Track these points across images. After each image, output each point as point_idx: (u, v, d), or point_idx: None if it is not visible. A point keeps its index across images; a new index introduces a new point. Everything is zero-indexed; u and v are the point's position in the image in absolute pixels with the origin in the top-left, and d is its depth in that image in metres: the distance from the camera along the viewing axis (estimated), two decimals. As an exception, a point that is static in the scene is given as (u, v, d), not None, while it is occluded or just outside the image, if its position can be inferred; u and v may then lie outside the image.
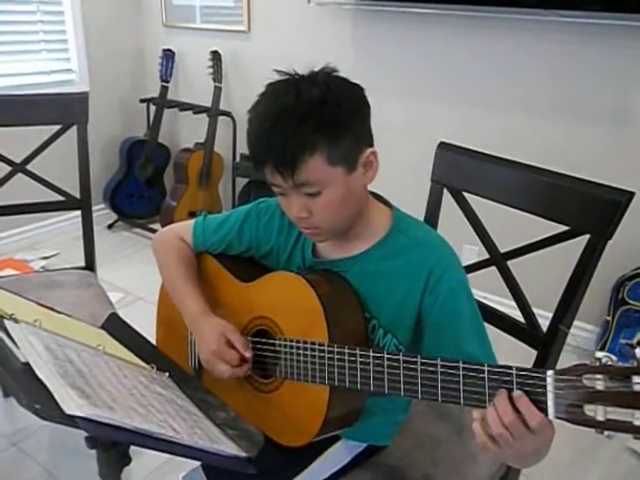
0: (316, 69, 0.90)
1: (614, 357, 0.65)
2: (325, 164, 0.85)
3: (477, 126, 2.38)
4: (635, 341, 2.12)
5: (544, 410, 0.68)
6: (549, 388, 0.68)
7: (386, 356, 0.82)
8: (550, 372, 0.68)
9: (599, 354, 0.67)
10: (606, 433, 0.64)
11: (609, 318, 2.19)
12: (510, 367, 0.71)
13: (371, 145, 0.92)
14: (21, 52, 3.00)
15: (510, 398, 0.70)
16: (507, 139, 2.22)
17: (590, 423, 0.65)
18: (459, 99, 2.44)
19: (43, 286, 1.69)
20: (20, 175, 1.74)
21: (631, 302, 2.14)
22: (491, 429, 0.71)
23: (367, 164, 0.91)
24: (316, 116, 0.83)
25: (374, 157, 0.92)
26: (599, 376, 0.65)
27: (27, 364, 0.73)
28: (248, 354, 0.97)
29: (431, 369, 0.77)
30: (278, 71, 0.90)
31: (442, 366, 0.76)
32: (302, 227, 0.95)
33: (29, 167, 1.75)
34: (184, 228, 1.15)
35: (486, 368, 0.73)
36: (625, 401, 0.63)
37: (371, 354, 0.83)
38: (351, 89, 0.89)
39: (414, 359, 0.79)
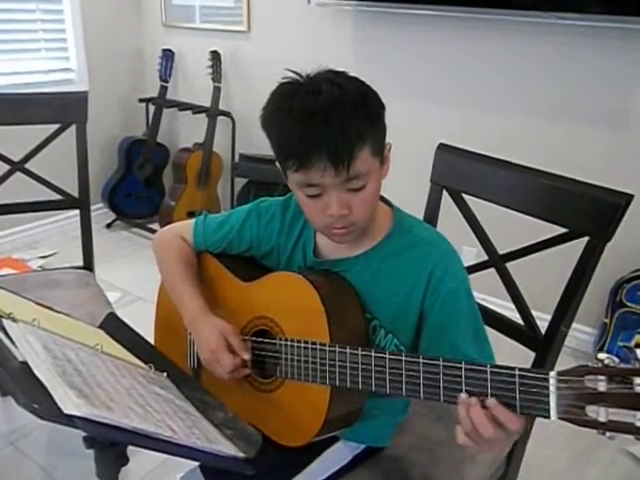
0: (330, 69, 0.89)
1: (616, 359, 0.65)
2: (370, 156, 0.86)
3: (477, 128, 2.38)
4: (633, 343, 2.13)
5: (546, 411, 0.68)
6: (551, 389, 0.68)
7: (388, 356, 0.82)
8: (552, 373, 0.68)
9: (601, 355, 0.66)
10: (608, 434, 0.64)
11: (607, 320, 2.19)
12: (513, 368, 0.72)
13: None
14: (20, 51, 3.00)
15: (484, 407, 0.72)
16: (506, 141, 2.22)
17: (592, 424, 0.65)
18: (459, 101, 2.44)
19: (41, 285, 1.68)
20: (19, 174, 1.74)
21: (629, 304, 2.14)
22: (470, 437, 0.73)
23: (387, 158, 0.93)
24: (363, 108, 0.84)
25: (389, 152, 0.93)
26: (601, 377, 0.65)
27: (25, 363, 0.72)
28: (246, 356, 0.97)
29: (433, 369, 0.77)
30: (290, 70, 0.88)
31: (444, 366, 0.76)
32: (336, 227, 0.90)
33: (28, 166, 1.74)
34: (185, 227, 1.15)
35: (488, 369, 0.73)
36: (627, 402, 0.63)
37: (373, 354, 0.83)
38: (370, 87, 0.90)
39: (416, 359, 0.79)
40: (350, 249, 0.99)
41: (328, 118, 0.81)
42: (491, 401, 0.72)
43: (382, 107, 0.89)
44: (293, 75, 0.88)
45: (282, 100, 0.86)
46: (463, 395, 0.74)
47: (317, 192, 0.88)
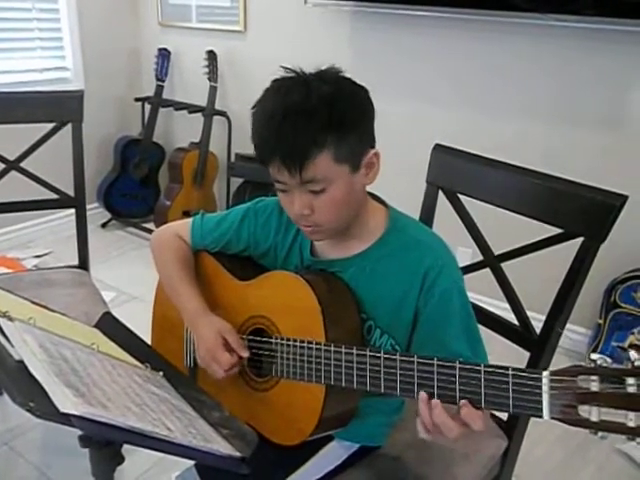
0: (323, 68, 0.90)
1: (609, 359, 0.65)
2: (332, 162, 0.86)
3: (473, 128, 2.39)
4: (627, 344, 2.14)
5: (539, 410, 0.69)
6: (544, 389, 0.68)
7: (382, 355, 0.82)
8: (546, 373, 0.69)
9: (594, 355, 0.67)
10: (600, 434, 0.65)
11: (601, 321, 2.20)
12: (507, 367, 0.72)
13: (373, 147, 0.92)
14: (16, 49, 2.99)
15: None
16: (502, 142, 2.22)
17: (584, 424, 0.65)
18: (455, 101, 2.45)
19: (36, 284, 1.68)
20: (14, 173, 1.74)
21: (623, 305, 2.15)
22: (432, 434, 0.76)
23: (369, 165, 0.92)
24: (326, 113, 0.83)
25: (376, 159, 0.93)
26: (594, 377, 0.65)
27: (21, 362, 0.72)
28: (245, 354, 0.97)
29: (427, 369, 0.78)
30: (285, 68, 0.90)
31: (438, 365, 0.77)
32: (302, 225, 0.94)
33: (23, 165, 1.74)
34: (182, 226, 1.15)
35: (482, 368, 0.73)
36: (619, 402, 0.63)
37: (368, 353, 0.83)
38: (359, 90, 0.90)
39: (411, 359, 0.79)
40: (346, 249, 0.99)
41: (283, 121, 0.83)
42: (462, 402, 0.74)
43: (359, 113, 0.88)
44: (286, 73, 0.89)
45: (262, 98, 0.90)
46: (423, 394, 0.76)
47: (282, 188, 0.91)
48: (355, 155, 0.89)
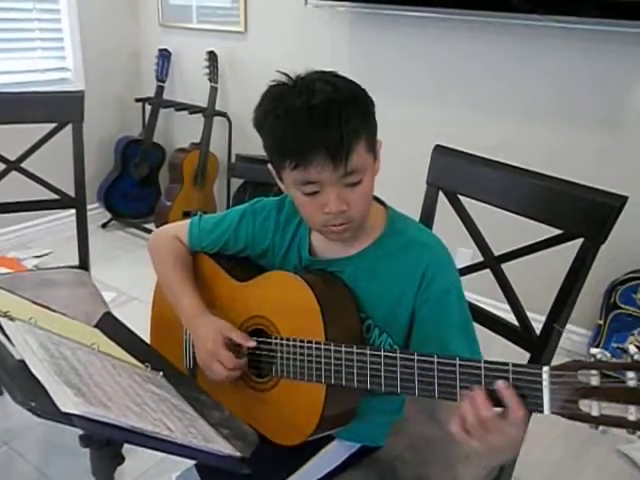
0: (311, 71, 0.90)
1: (608, 353, 0.65)
2: (365, 151, 0.88)
3: (473, 129, 2.39)
4: (627, 345, 2.14)
5: (540, 405, 0.69)
6: (545, 384, 0.69)
7: (383, 354, 0.82)
8: (546, 368, 0.69)
9: (594, 350, 0.67)
10: (600, 428, 0.65)
11: (601, 322, 2.21)
12: (506, 363, 0.72)
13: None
14: (17, 50, 3.00)
15: (488, 392, 0.72)
16: (502, 142, 2.23)
17: (585, 418, 0.66)
18: (455, 102, 2.45)
19: (37, 285, 1.68)
20: (14, 173, 1.74)
21: (623, 306, 2.15)
22: (468, 422, 0.72)
23: (377, 154, 0.94)
24: (356, 104, 0.86)
25: (380, 148, 0.95)
26: (594, 372, 0.65)
27: (22, 362, 0.72)
28: (252, 343, 0.97)
29: (428, 366, 0.78)
30: (281, 72, 0.90)
31: (439, 363, 0.77)
32: (334, 224, 0.91)
33: (24, 165, 1.74)
34: (180, 228, 1.15)
35: (482, 364, 0.74)
36: (619, 396, 0.64)
37: (368, 352, 0.84)
38: (359, 84, 0.92)
39: (411, 356, 0.79)
40: (345, 249, 0.99)
41: (326, 115, 0.83)
42: (499, 383, 0.71)
43: (372, 104, 0.91)
44: (283, 77, 0.89)
45: (275, 101, 0.88)
46: (469, 392, 0.74)
47: (315, 189, 0.88)
48: (375, 144, 0.92)
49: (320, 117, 0.83)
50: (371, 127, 0.90)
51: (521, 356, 1.14)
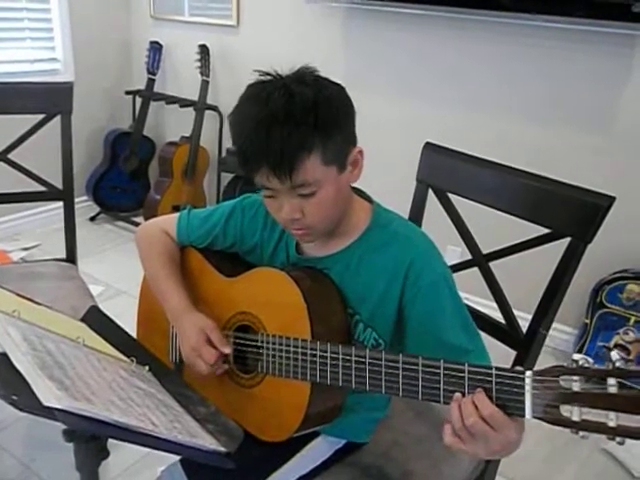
0: (297, 68, 0.89)
1: (591, 359, 0.66)
2: (320, 164, 0.86)
3: (464, 127, 2.40)
4: (612, 344, 2.16)
5: (521, 409, 0.69)
6: (527, 388, 0.69)
7: (368, 354, 0.82)
8: (528, 373, 0.69)
9: (576, 356, 0.68)
10: (581, 433, 0.65)
11: (587, 321, 2.22)
12: (490, 367, 0.73)
13: (355, 144, 0.93)
14: (5, 39, 2.96)
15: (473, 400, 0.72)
16: (493, 141, 2.23)
17: (566, 423, 0.66)
18: (447, 100, 2.45)
19: (23, 277, 1.67)
20: (2, 164, 1.72)
21: (609, 305, 2.17)
22: (456, 429, 0.73)
23: (354, 163, 0.93)
24: (312, 117, 0.83)
25: (360, 156, 0.93)
26: (576, 378, 0.66)
27: (4, 355, 0.72)
28: (227, 350, 0.97)
29: (413, 367, 0.78)
30: (260, 71, 0.89)
31: (424, 365, 0.77)
32: (293, 229, 0.94)
33: (11, 156, 1.72)
34: (168, 221, 1.14)
35: (466, 368, 0.74)
36: (600, 402, 0.64)
37: (353, 351, 0.84)
38: (338, 89, 0.90)
39: (396, 358, 0.79)
40: (331, 246, 0.99)
41: (269, 128, 0.82)
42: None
43: (342, 114, 0.88)
44: (263, 77, 0.88)
45: (240, 104, 0.89)
46: (458, 394, 0.74)
47: (270, 194, 0.91)
48: (341, 155, 0.89)
49: (265, 130, 0.82)
50: (331, 138, 0.85)
51: (507, 354, 1.15)
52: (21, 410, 0.63)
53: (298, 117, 0.82)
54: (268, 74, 0.88)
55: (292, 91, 0.84)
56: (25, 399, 0.64)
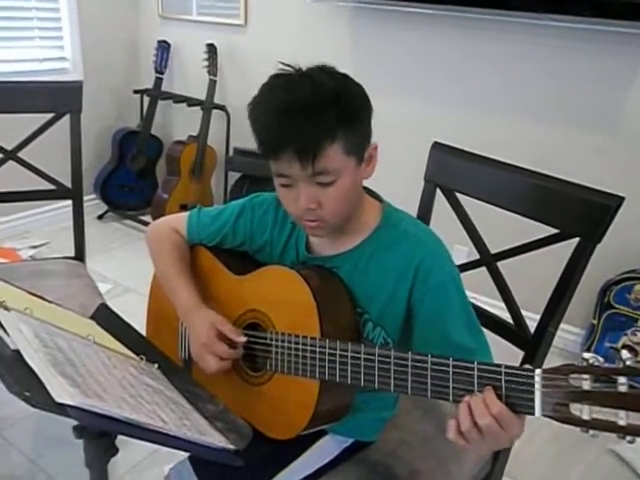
0: (315, 65, 0.90)
1: (601, 358, 0.66)
2: (342, 153, 0.87)
3: (472, 127, 2.39)
4: (620, 345, 2.15)
5: (531, 407, 0.69)
6: (536, 386, 0.69)
7: (377, 351, 0.82)
8: (538, 371, 0.69)
9: (586, 355, 0.68)
10: (591, 432, 0.65)
11: (595, 321, 2.22)
12: (499, 365, 0.73)
13: (370, 141, 0.94)
14: (15, 39, 2.97)
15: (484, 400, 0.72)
16: (501, 140, 2.23)
17: (575, 422, 0.66)
18: (454, 99, 2.45)
19: (32, 275, 1.68)
20: (11, 162, 1.73)
21: (617, 306, 2.16)
22: (464, 428, 0.73)
23: (369, 158, 0.94)
24: (337, 106, 0.85)
25: (375, 152, 0.95)
26: (586, 376, 0.66)
27: (17, 352, 0.72)
28: (241, 338, 0.97)
29: (422, 365, 0.78)
30: (283, 64, 0.90)
31: (433, 362, 0.77)
32: (306, 220, 0.93)
33: (21, 155, 1.73)
34: (178, 220, 1.15)
35: (476, 366, 0.74)
36: (610, 401, 0.64)
37: (362, 349, 0.84)
38: (358, 85, 0.92)
39: (405, 355, 0.80)
40: (341, 245, 0.99)
41: (298, 114, 0.84)
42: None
43: (362, 107, 0.90)
44: (286, 68, 0.90)
45: (264, 93, 0.90)
46: (467, 397, 0.74)
47: (288, 182, 0.91)
48: (360, 148, 0.91)
49: (293, 115, 0.84)
50: (352, 130, 0.87)
51: (515, 354, 1.15)
52: (33, 406, 0.64)
53: (324, 105, 0.84)
54: (291, 67, 0.90)
55: (318, 81, 0.86)
56: (37, 396, 0.64)
